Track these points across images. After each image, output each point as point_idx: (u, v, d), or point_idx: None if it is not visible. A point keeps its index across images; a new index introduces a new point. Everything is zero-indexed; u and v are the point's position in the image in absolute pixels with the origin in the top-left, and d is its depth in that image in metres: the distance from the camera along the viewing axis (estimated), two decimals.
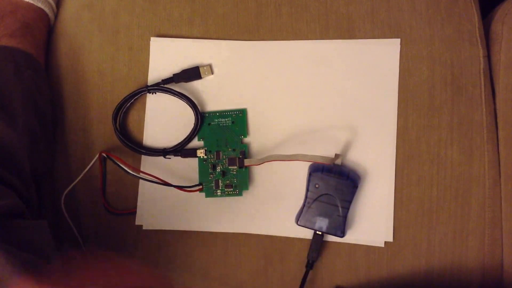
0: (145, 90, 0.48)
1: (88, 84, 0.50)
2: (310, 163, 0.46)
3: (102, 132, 0.49)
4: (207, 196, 0.48)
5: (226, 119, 0.48)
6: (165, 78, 0.48)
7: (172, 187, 0.46)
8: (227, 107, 0.48)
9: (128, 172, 0.45)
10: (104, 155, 0.48)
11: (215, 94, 0.48)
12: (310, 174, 0.45)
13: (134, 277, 0.33)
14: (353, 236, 0.46)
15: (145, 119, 0.49)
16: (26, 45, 0.47)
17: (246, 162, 0.46)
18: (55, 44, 0.52)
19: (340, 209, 0.44)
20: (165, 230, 0.49)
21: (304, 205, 0.45)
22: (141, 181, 0.49)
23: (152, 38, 0.49)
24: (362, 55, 0.47)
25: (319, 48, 0.48)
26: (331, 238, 0.47)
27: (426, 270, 0.46)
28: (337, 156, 0.44)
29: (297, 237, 0.47)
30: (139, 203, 0.49)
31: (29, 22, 0.48)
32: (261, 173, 0.48)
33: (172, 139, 0.48)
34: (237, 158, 0.47)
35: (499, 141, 0.47)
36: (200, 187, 0.47)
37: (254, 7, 0.49)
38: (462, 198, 0.46)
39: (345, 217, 0.44)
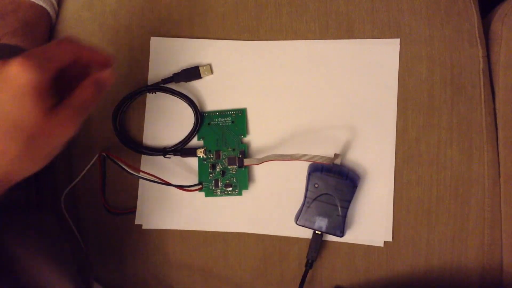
0: (145, 90, 0.48)
1: None
2: (310, 162, 0.46)
3: (102, 131, 0.49)
4: (206, 195, 0.48)
5: (225, 119, 0.48)
6: (165, 77, 0.48)
7: (172, 187, 0.46)
8: (227, 107, 0.48)
9: (128, 172, 0.45)
10: (104, 154, 0.48)
11: (215, 94, 0.49)
12: (309, 174, 0.45)
13: None
14: (352, 236, 0.46)
15: (145, 118, 0.49)
16: (28, 44, 0.48)
17: (246, 161, 0.46)
18: None
19: (339, 208, 0.44)
20: (164, 230, 0.49)
21: (303, 204, 0.45)
22: (141, 180, 0.49)
23: (152, 38, 0.50)
24: (362, 55, 0.47)
25: (319, 48, 0.48)
26: (330, 237, 0.47)
27: (426, 270, 0.46)
28: (336, 156, 0.44)
29: (297, 236, 0.47)
30: (138, 203, 0.49)
31: (30, 21, 0.48)
32: (260, 172, 0.48)
33: (171, 138, 0.48)
34: (236, 158, 0.47)
35: (498, 141, 0.47)
36: (200, 186, 0.47)
37: (254, 7, 0.49)
38: (462, 198, 0.46)
39: (344, 217, 0.44)
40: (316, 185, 0.44)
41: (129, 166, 0.46)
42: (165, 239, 0.49)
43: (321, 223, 0.44)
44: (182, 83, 0.49)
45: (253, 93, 0.48)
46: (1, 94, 0.30)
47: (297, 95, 0.48)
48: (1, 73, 0.30)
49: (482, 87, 0.47)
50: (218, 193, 0.47)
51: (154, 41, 0.50)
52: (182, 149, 0.48)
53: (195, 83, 0.49)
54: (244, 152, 0.47)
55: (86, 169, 0.48)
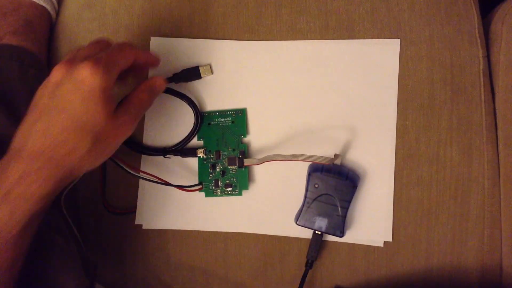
0: None
1: None
2: (310, 163, 0.46)
3: None
4: (206, 195, 0.48)
5: (226, 119, 0.48)
6: (165, 77, 0.48)
7: (172, 187, 0.46)
8: (227, 107, 0.48)
9: (128, 172, 0.45)
10: None
11: (215, 94, 0.49)
12: (309, 174, 0.45)
13: None
14: (352, 236, 0.46)
15: (145, 118, 0.49)
16: (29, 43, 0.48)
17: (246, 161, 0.46)
18: (55, 44, 0.52)
19: (339, 209, 0.44)
20: (164, 230, 0.49)
21: (303, 205, 0.45)
22: (140, 180, 0.49)
23: (152, 38, 0.50)
24: (362, 55, 0.47)
25: (319, 48, 0.48)
26: (330, 237, 0.47)
27: (425, 270, 0.46)
28: (336, 156, 0.44)
29: (297, 236, 0.47)
30: (139, 203, 0.49)
31: (31, 20, 0.48)
32: (260, 173, 0.48)
33: (171, 138, 0.48)
34: (236, 158, 0.47)
35: (498, 141, 0.47)
36: (200, 186, 0.47)
37: (253, 7, 0.49)
38: (461, 198, 0.46)
39: (344, 217, 0.44)
40: (316, 185, 0.44)
41: (129, 166, 0.46)
42: (165, 239, 0.49)
43: (321, 223, 0.45)
44: (182, 83, 0.49)
45: (253, 93, 0.48)
46: (72, 96, 0.33)
47: (297, 95, 0.48)
48: (71, 76, 0.33)
49: (482, 87, 0.47)
50: (218, 193, 0.47)
51: (154, 41, 0.50)
52: (182, 149, 0.48)
53: (195, 83, 0.49)
54: (244, 152, 0.47)
55: None
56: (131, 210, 0.49)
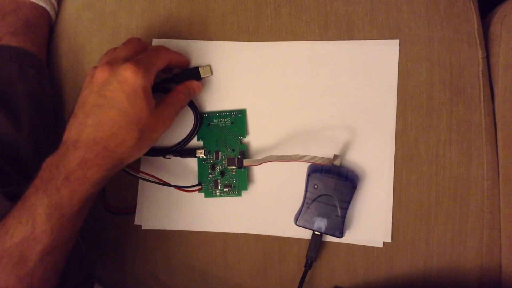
0: None
1: None
2: (309, 163, 0.46)
3: None
4: (206, 196, 0.48)
5: (225, 120, 0.48)
6: (165, 78, 0.48)
7: (171, 187, 0.46)
8: (227, 107, 0.48)
9: (128, 172, 0.45)
10: None
11: (214, 95, 0.49)
12: (309, 175, 0.45)
13: None
14: (351, 237, 0.46)
15: None
16: (28, 44, 0.48)
17: (245, 162, 0.46)
18: (55, 44, 0.52)
19: (338, 209, 0.44)
20: (164, 230, 0.49)
21: (303, 205, 0.45)
22: (140, 181, 0.49)
23: (153, 40, 0.50)
24: (361, 56, 0.47)
25: (318, 49, 0.48)
26: (329, 238, 0.47)
27: (425, 270, 0.46)
28: (336, 157, 0.45)
29: (296, 237, 0.47)
30: (138, 203, 0.49)
31: (31, 21, 0.49)
32: (260, 173, 0.48)
33: (171, 139, 0.48)
34: (236, 158, 0.47)
35: (497, 142, 0.47)
36: (199, 187, 0.47)
37: (253, 8, 0.49)
38: (461, 199, 0.46)
39: (343, 218, 0.44)
40: (315, 186, 0.44)
41: (128, 167, 0.46)
42: (165, 240, 0.49)
43: (320, 223, 0.45)
44: None
45: (253, 94, 0.48)
46: (119, 94, 0.37)
47: (297, 96, 0.48)
48: (115, 76, 0.37)
49: (481, 88, 0.47)
50: (218, 193, 0.48)
51: (156, 43, 0.50)
52: (181, 150, 0.48)
53: None
54: (244, 152, 0.47)
55: None
56: (131, 210, 0.49)
